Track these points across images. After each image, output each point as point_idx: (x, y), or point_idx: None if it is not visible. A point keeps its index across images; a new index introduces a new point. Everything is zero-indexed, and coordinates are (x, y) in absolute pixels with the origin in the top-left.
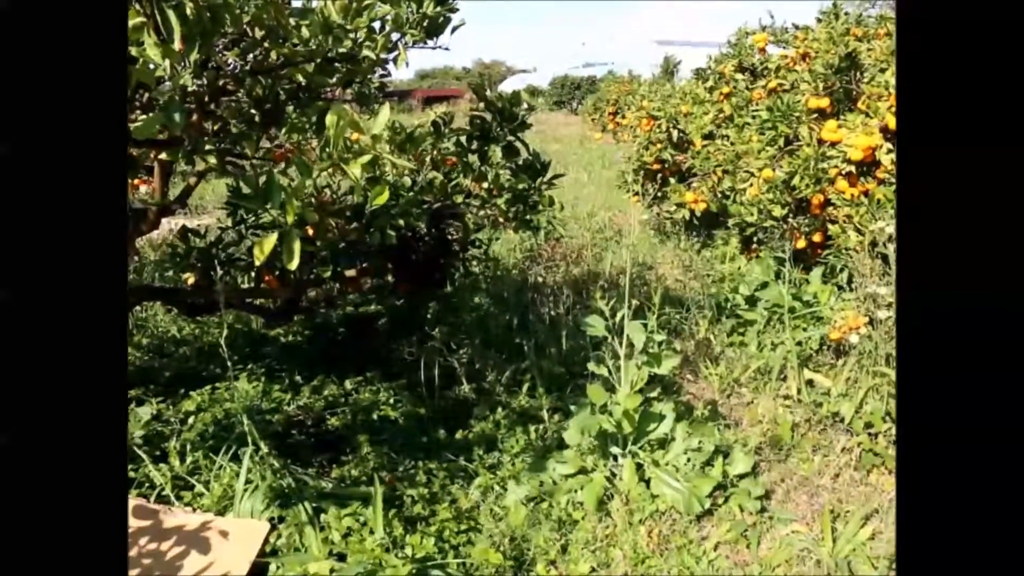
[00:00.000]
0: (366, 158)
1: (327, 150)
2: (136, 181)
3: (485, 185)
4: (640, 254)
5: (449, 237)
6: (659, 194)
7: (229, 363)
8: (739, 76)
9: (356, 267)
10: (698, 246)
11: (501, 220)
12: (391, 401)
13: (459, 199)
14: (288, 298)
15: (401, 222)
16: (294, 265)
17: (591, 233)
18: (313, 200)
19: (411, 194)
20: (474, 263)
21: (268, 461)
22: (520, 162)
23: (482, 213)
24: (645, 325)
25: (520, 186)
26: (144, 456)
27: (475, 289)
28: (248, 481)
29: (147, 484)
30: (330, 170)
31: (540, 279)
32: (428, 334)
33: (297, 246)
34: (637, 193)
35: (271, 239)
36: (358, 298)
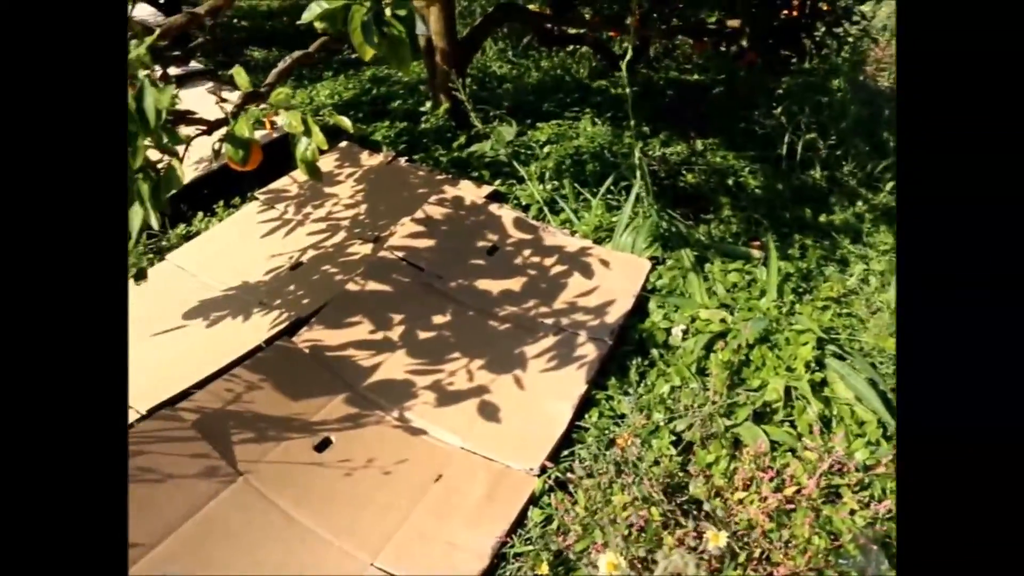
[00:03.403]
0: None
1: None
2: None
3: None
4: None
5: (821, 7)
6: None
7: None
8: None
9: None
10: None
11: None
12: (747, 170)
13: None
14: (643, 38)
15: None
16: None
17: None
18: None
19: None
20: (849, 40)
21: (648, 201)
22: None
23: None
24: None
25: None
26: (520, 169)
27: (836, 71)
28: (629, 217)
29: (515, 201)
30: None
31: None
32: (772, 110)
33: None
34: None
35: None
36: (677, 64)
